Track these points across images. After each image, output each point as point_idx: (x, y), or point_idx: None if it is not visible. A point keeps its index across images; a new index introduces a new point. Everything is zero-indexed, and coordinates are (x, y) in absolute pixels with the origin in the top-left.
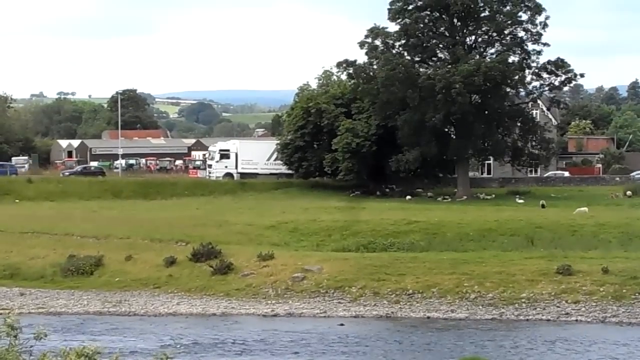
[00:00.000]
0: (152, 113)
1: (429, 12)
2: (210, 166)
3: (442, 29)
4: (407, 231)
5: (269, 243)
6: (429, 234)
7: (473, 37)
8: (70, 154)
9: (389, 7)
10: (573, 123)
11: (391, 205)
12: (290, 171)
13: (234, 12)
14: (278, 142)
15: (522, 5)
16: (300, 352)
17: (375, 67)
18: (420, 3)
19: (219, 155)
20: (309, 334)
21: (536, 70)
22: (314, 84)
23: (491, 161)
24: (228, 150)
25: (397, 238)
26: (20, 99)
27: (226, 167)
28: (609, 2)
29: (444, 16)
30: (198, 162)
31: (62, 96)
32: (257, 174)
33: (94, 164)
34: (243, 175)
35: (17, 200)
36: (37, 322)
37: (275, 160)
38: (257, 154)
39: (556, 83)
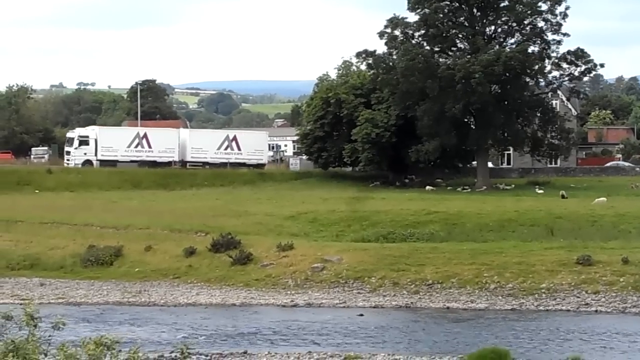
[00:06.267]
0: (171, 103)
1: (448, 2)
2: (68, 153)
3: (461, 19)
4: (427, 221)
5: (288, 233)
6: (448, 224)
7: (493, 27)
8: None
9: None
10: (593, 113)
11: (411, 195)
12: (152, 159)
13: (253, 3)
14: (139, 129)
15: None
16: (320, 342)
17: (394, 57)
18: None
19: (77, 141)
20: (328, 324)
21: (556, 61)
22: (333, 74)
23: (511, 151)
24: (87, 137)
25: (417, 228)
26: (40, 89)
27: (85, 154)
28: None
29: (463, 6)
30: None
31: (82, 87)
32: (118, 161)
33: None
34: (103, 162)
35: (37, 191)
36: (57, 312)
37: (136, 147)
38: (118, 141)
39: (576, 73)
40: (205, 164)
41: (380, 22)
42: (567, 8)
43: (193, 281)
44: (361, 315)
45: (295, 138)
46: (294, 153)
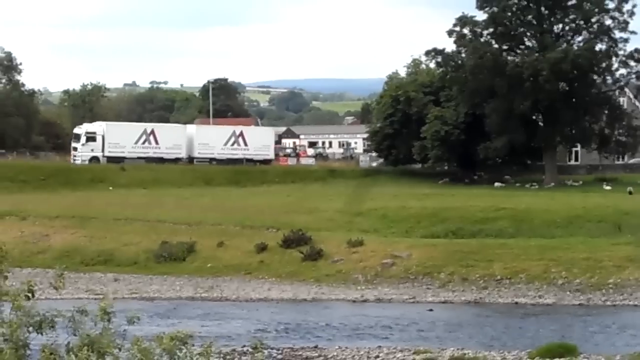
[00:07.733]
0: (243, 101)
1: (516, 1)
2: (75, 149)
3: (529, 17)
4: (496, 218)
5: (358, 229)
6: (517, 221)
7: (560, 25)
8: None
9: None
10: None
11: (479, 192)
12: (160, 155)
13: (323, 2)
14: (146, 125)
15: None
16: (389, 337)
17: (463, 55)
18: None
19: (85, 138)
20: (398, 320)
21: (623, 59)
22: (402, 73)
23: (579, 148)
24: (94, 133)
25: (486, 224)
26: (114, 88)
27: (92, 150)
28: None
29: (531, 4)
30: (288, 150)
31: (155, 85)
32: (125, 157)
33: None
34: (110, 159)
35: (110, 188)
36: (131, 307)
37: (143, 143)
38: (125, 137)
39: None
40: (212, 159)
41: (449, 21)
42: (634, 6)
43: (264, 276)
44: (430, 310)
45: (365, 135)
46: (364, 150)
